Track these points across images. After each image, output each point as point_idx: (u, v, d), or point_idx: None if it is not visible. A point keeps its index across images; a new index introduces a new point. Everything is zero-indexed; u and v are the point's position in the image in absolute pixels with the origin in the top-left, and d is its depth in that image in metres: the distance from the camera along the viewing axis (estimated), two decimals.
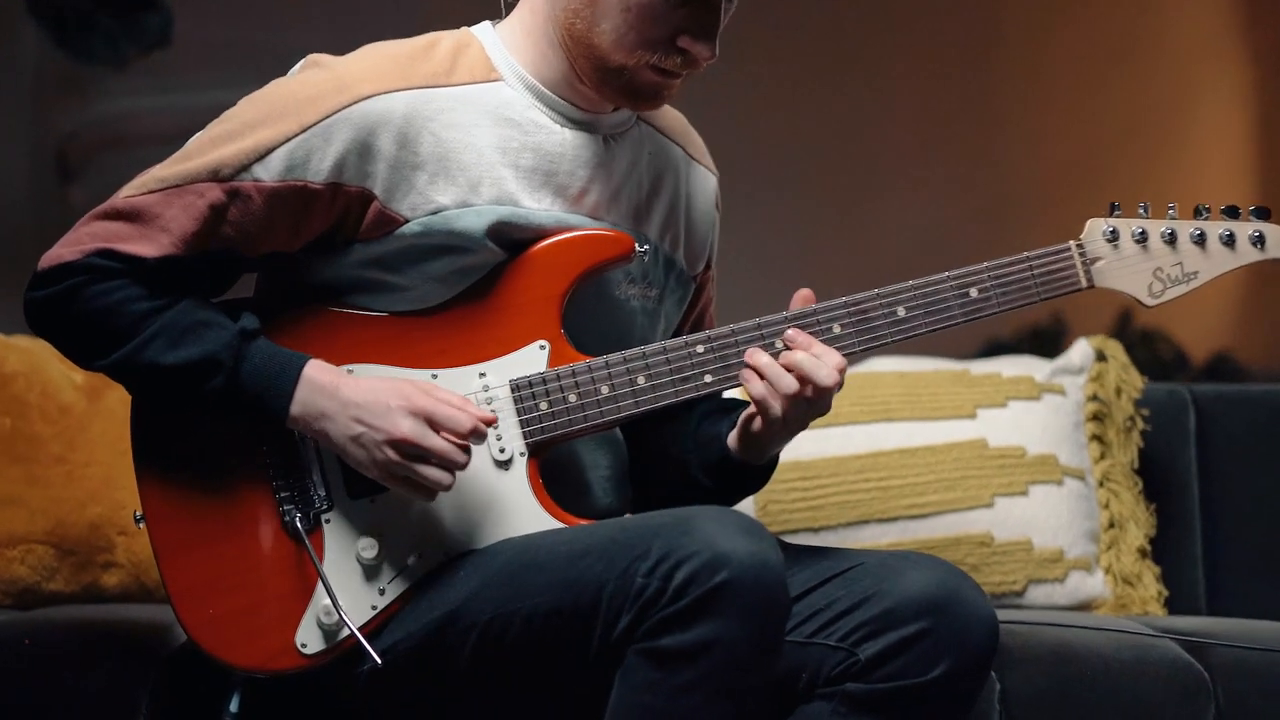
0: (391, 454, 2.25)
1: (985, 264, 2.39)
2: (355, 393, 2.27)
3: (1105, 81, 4.70)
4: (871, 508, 3.17)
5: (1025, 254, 2.40)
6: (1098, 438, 3.30)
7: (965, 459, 3.20)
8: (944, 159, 4.62)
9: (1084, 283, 2.41)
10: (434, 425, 2.25)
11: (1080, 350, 3.37)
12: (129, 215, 2.30)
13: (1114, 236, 2.43)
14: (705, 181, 2.60)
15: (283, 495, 2.34)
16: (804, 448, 3.18)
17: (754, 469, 2.45)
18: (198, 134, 2.36)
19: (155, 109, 4.42)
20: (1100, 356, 3.36)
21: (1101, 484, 3.28)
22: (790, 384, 2.30)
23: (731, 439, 2.42)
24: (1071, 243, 2.42)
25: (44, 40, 4.32)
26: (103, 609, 2.96)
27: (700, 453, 2.49)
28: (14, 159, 4.36)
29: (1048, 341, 4.28)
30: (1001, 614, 2.58)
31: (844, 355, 2.36)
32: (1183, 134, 4.84)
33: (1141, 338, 3.81)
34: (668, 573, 2.12)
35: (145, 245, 2.28)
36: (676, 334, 2.58)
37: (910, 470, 3.20)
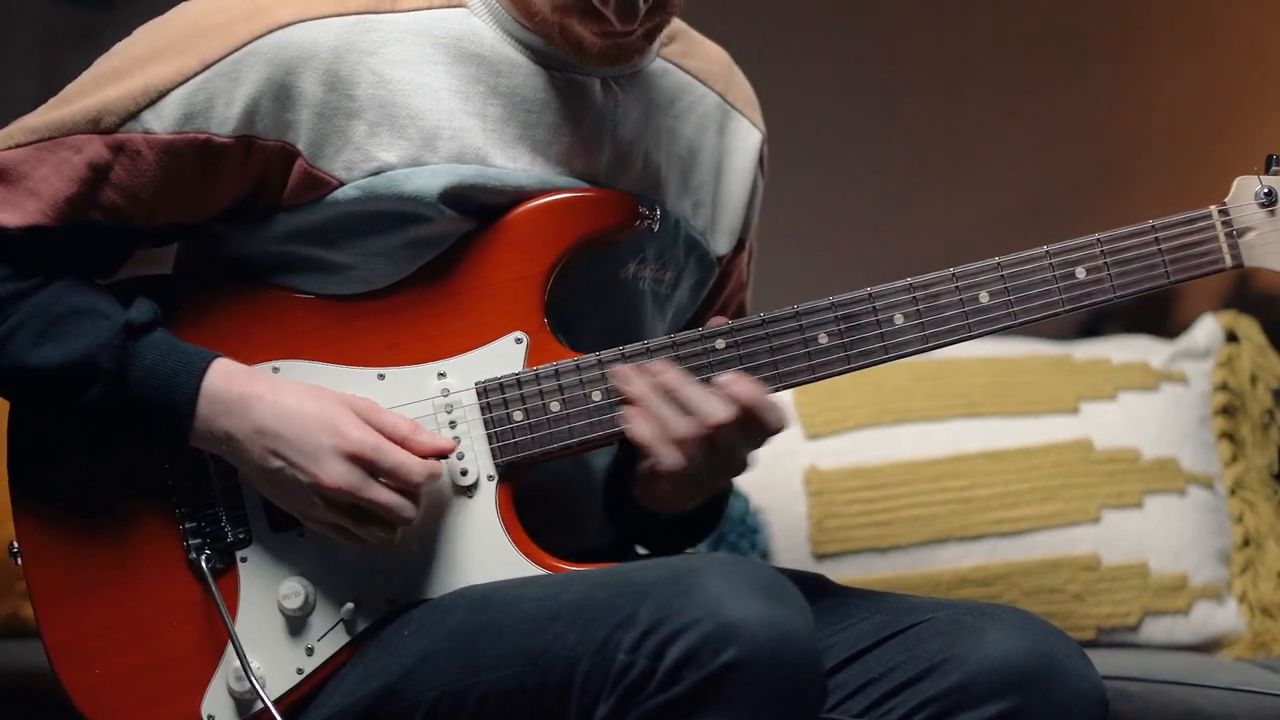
0: (318, 502, 1.92)
1: (1096, 235, 1.98)
2: (272, 416, 1.92)
3: (1233, 14, 4.17)
4: (951, 523, 2.89)
5: (1151, 223, 1.99)
6: (1229, 436, 3.03)
7: (1066, 463, 2.93)
8: (1041, 114, 4.12)
9: (1228, 261, 1.99)
10: (375, 472, 1.90)
11: (1206, 329, 3.09)
12: None
13: (1271, 200, 1.99)
14: (746, 138, 2.22)
15: (188, 526, 1.99)
16: (869, 450, 2.92)
17: (666, 521, 2.11)
18: (83, 74, 2.01)
19: None
20: (1231, 337, 3.08)
21: (1234, 493, 3.01)
22: (681, 427, 1.92)
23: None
24: (1213, 208, 2.00)
25: None
26: (26, 649, 2.59)
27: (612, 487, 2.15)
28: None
29: (1155, 313, 3.89)
30: (1110, 659, 2.44)
31: (910, 352, 1.99)
32: None
33: (1261, 305, 3.44)
34: (657, 648, 1.76)
35: (7, 212, 1.95)
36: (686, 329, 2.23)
37: (999, 477, 2.92)
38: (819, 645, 1.79)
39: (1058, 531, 2.89)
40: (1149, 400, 3.00)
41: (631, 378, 1.94)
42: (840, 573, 2.76)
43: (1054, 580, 2.85)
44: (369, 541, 1.92)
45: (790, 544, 2.82)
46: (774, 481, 2.81)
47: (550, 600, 1.85)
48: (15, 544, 2.01)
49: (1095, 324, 3.60)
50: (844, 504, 2.87)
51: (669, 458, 1.92)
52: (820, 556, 2.81)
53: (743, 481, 2.55)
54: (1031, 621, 1.93)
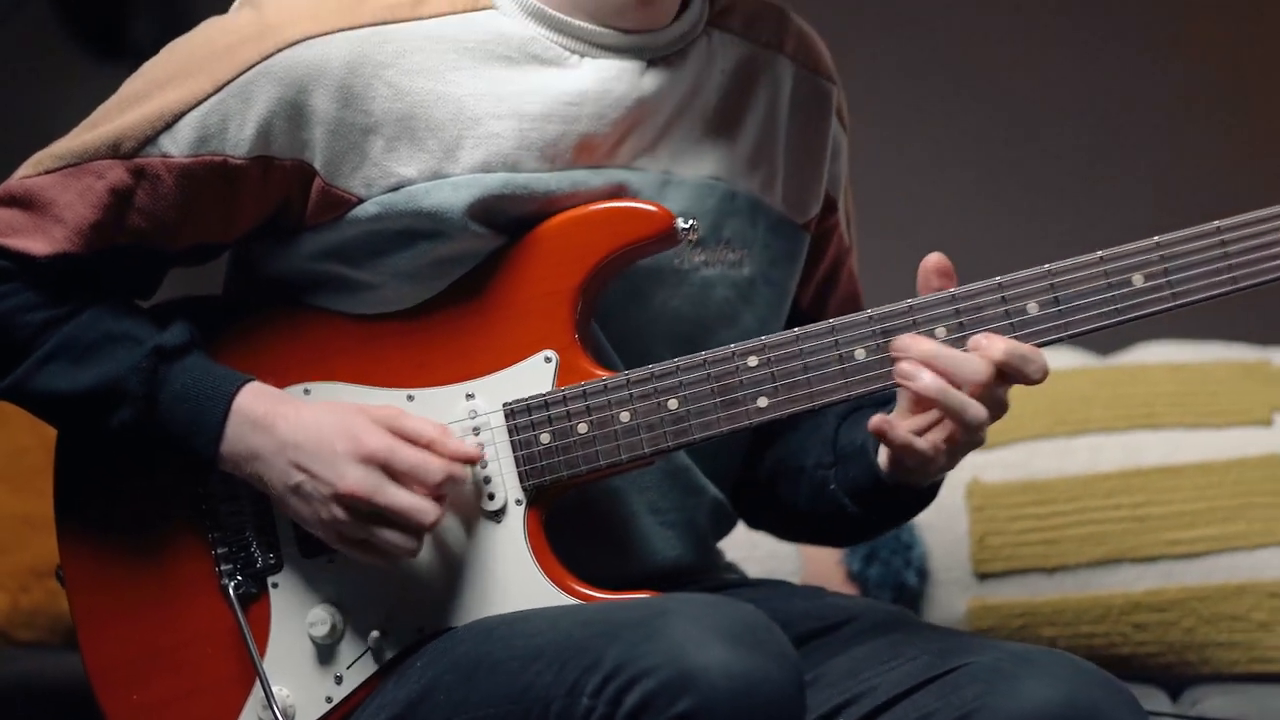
0: (339, 512, 1.87)
1: (1155, 239, 1.81)
2: (295, 428, 1.89)
3: None
4: (1124, 543, 2.74)
5: (1215, 223, 1.80)
6: None
7: (1252, 480, 2.76)
8: None
9: None
10: (393, 474, 1.86)
11: None
12: (23, 201, 1.95)
13: None
14: (819, 95, 2.12)
15: (220, 551, 1.97)
16: (1037, 463, 2.77)
17: (916, 492, 1.98)
18: (112, 96, 2.01)
19: None
20: None
21: None
22: (980, 369, 1.79)
23: (882, 455, 1.94)
24: None
25: None
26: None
27: (843, 469, 2.02)
28: None
29: None
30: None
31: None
32: None
33: None
34: (616, 695, 1.68)
35: (36, 240, 1.94)
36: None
37: (1177, 494, 2.77)
38: (798, 697, 1.68)
39: (1240, 555, 2.72)
40: None
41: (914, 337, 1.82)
42: (1004, 594, 2.65)
43: (1237, 607, 2.69)
44: (392, 553, 1.87)
45: (949, 562, 2.68)
46: None
47: (539, 637, 1.78)
48: (61, 568, 2.01)
49: None
50: (1007, 520, 2.75)
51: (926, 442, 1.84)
52: (982, 576, 2.68)
53: None
54: (1077, 669, 1.78)
